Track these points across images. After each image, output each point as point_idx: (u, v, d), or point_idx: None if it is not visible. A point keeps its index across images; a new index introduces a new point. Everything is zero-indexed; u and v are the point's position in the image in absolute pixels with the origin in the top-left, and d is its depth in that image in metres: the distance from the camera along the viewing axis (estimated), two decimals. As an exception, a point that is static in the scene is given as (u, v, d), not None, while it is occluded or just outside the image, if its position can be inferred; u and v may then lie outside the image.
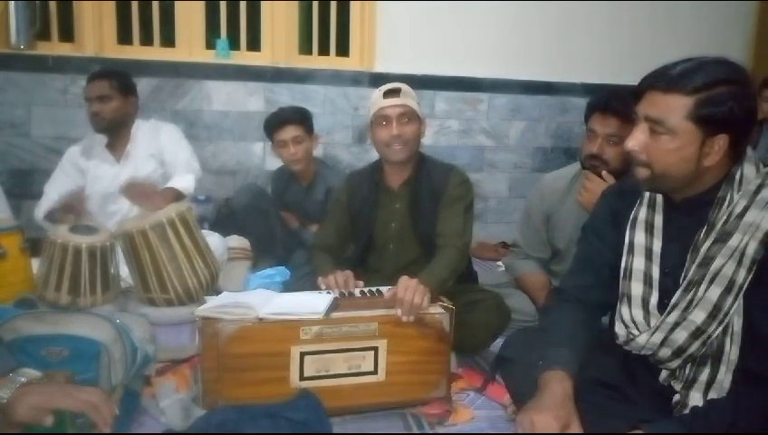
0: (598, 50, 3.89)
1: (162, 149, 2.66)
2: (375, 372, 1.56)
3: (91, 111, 2.55)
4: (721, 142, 1.10)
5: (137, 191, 2.40)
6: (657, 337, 1.16)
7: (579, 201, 2.00)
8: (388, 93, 1.90)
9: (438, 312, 1.61)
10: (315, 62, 3.62)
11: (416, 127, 1.92)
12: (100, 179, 2.65)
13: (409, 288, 1.56)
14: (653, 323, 1.18)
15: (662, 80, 1.12)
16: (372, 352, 1.55)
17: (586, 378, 1.23)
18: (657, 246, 1.22)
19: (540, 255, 2.22)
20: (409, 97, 1.91)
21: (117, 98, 2.57)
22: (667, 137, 1.11)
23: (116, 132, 2.63)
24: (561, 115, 3.97)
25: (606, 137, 1.92)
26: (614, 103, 1.88)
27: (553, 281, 2.15)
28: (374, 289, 1.76)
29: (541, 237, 2.20)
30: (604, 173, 1.92)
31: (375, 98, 1.93)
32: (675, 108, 1.10)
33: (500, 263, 2.87)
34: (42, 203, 2.63)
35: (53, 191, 2.64)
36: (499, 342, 1.68)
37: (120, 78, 2.61)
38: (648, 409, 1.18)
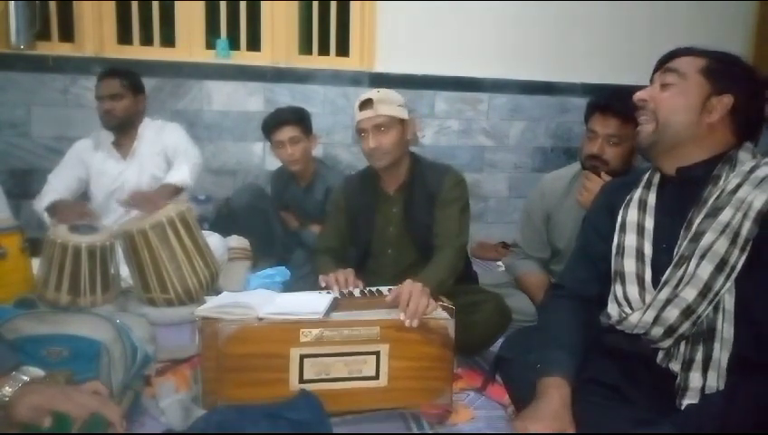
0: (598, 50, 3.89)
1: (166, 147, 2.70)
2: (376, 376, 1.53)
3: (103, 108, 2.60)
4: (724, 101, 1.18)
5: (139, 200, 2.41)
6: (650, 315, 1.16)
7: (578, 201, 2.00)
8: (362, 105, 1.88)
9: (443, 317, 1.57)
10: (315, 62, 3.63)
11: (395, 134, 1.88)
12: (105, 175, 2.69)
13: (414, 292, 1.54)
14: (648, 299, 1.18)
15: (684, 49, 1.25)
16: (374, 356, 1.52)
17: (585, 379, 1.23)
18: (650, 223, 1.24)
19: (540, 255, 2.22)
20: (384, 104, 1.86)
21: (128, 96, 2.63)
22: (677, 88, 1.21)
23: (124, 130, 2.68)
24: (561, 115, 3.97)
25: (606, 137, 1.92)
26: (614, 104, 1.88)
27: (553, 281, 2.15)
28: (374, 289, 1.76)
29: (541, 237, 2.20)
30: (603, 174, 1.92)
31: (354, 109, 1.92)
32: (691, 63, 1.22)
33: (500, 263, 2.87)
34: (44, 193, 2.64)
35: (57, 182, 2.67)
36: (499, 342, 1.68)
37: (130, 77, 2.67)
38: (648, 408, 1.18)
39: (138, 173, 2.68)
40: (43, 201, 2.59)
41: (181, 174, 2.57)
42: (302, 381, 1.50)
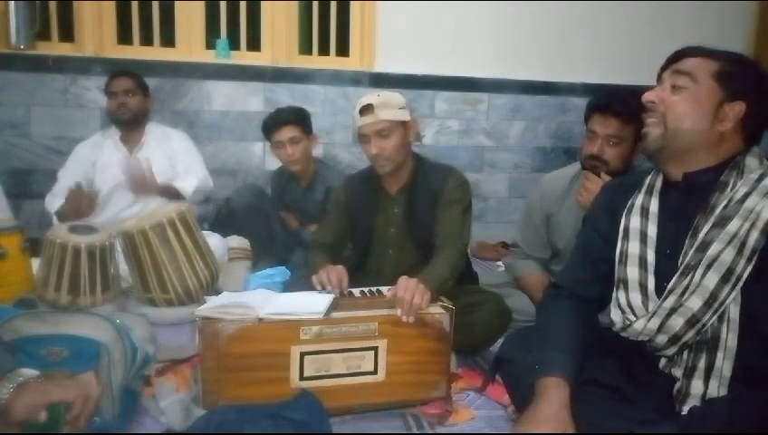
0: (598, 50, 3.89)
1: (175, 156, 2.81)
2: (375, 372, 1.56)
3: (116, 102, 2.71)
4: (736, 109, 1.14)
5: (140, 178, 2.57)
6: (654, 323, 1.16)
7: (578, 201, 2.00)
8: (362, 110, 1.85)
9: (438, 312, 1.60)
10: (315, 62, 3.63)
11: (397, 138, 1.86)
12: (110, 169, 2.75)
13: (409, 288, 1.56)
14: (651, 307, 1.18)
15: (694, 49, 1.20)
16: (372, 352, 1.55)
17: (585, 379, 1.23)
18: (653, 230, 1.23)
19: (540, 255, 2.22)
20: (386, 109, 1.84)
21: (140, 94, 2.77)
22: (689, 93, 1.16)
23: (133, 127, 2.77)
24: (561, 115, 3.97)
25: (606, 137, 1.91)
26: (614, 104, 1.88)
27: (553, 280, 2.14)
28: (374, 289, 1.76)
29: (541, 237, 2.20)
30: (603, 174, 1.92)
31: (354, 114, 1.89)
32: (703, 66, 1.17)
33: (500, 263, 2.87)
34: (55, 193, 2.70)
35: (66, 180, 2.72)
36: (500, 342, 1.68)
37: (140, 78, 2.81)
38: (648, 408, 1.18)
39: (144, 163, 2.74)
40: (54, 203, 2.66)
41: (187, 185, 2.70)
42: (302, 378, 1.51)
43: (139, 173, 2.57)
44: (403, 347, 1.57)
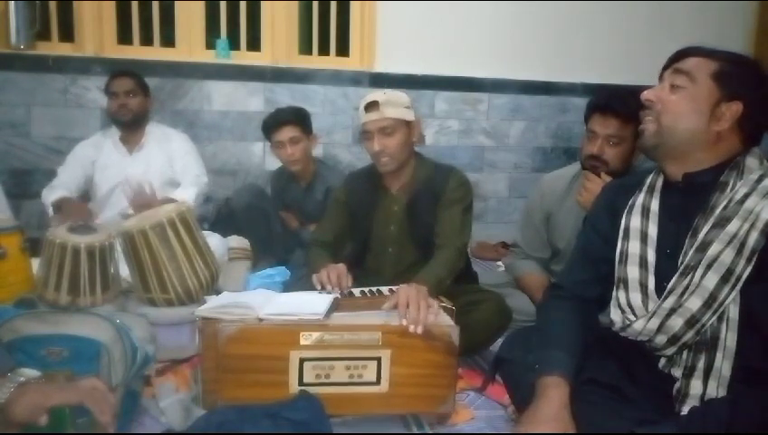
0: (598, 50, 3.89)
1: (173, 156, 2.82)
2: (377, 382, 1.50)
3: (117, 103, 2.72)
4: (734, 109, 1.14)
5: (140, 197, 2.53)
6: (654, 323, 1.16)
7: (578, 201, 2.00)
8: (367, 107, 1.86)
9: (447, 324, 1.54)
10: (315, 62, 3.63)
11: (401, 136, 1.87)
12: (110, 168, 2.77)
13: (411, 297, 1.51)
14: (651, 307, 1.18)
15: (696, 49, 1.21)
16: (375, 362, 1.49)
17: (585, 379, 1.23)
18: (653, 229, 1.23)
19: (540, 255, 2.22)
20: (391, 106, 1.84)
21: (140, 94, 2.78)
22: (687, 92, 1.17)
23: (133, 128, 2.79)
24: (561, 115, 3.97)
25: (606, 137, 1.91)
26: (614, 104, 1.88)
27: (553, 281, 2.14)
28: (374, 289, 1.76)
29: (541, 237, 2.20)
30: (603, 174, 1.92)
31: (360, 110, 1.90)
32: (703, 66, 1.17)
33: (500, 263, 2.87)
34: (53, 186, 2.71)
35: (66, 177, 2.75)
36: (500, 342, 1.68)
37: (141, 78, 2.82)
38: (648, 408, 1.18)
39: (143, 169, 2.76)
40: (51, 195, 2.66)
41: (188, 195, 2.69)
42: (301, 384, 1.49)
43: (140, 190, 2.55)
44: (408, 359, 1.50)
